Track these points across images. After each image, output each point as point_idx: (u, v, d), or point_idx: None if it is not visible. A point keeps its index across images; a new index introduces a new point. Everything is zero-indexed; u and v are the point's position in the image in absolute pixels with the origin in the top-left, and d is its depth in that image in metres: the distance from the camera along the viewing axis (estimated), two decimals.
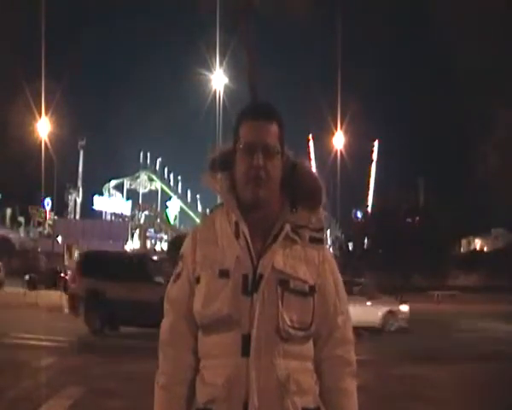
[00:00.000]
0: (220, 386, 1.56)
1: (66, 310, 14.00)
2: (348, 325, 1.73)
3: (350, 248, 25.42)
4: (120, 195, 71.22)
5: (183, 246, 1.75)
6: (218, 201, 1.78)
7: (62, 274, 25.06)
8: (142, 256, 14.19)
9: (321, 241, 1.71)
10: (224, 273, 1.60)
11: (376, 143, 72.75)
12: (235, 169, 1.67)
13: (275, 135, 1.65)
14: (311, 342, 1.65)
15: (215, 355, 1.61)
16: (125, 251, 15.55)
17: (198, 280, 1.65)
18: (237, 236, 1.63)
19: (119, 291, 12.62)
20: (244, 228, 1.63)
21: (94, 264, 14.05)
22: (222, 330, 1.59)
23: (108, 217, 66.49)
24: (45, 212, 57.41)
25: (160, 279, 12.64)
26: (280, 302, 1.57)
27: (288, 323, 1.57)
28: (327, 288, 1.69)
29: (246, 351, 1.55)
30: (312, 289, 1.63)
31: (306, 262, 1.65)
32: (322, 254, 1.70)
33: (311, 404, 1.61)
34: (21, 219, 60.81)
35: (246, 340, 1.56)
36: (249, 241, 1.62)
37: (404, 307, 16.57)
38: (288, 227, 1.64)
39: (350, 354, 1.71)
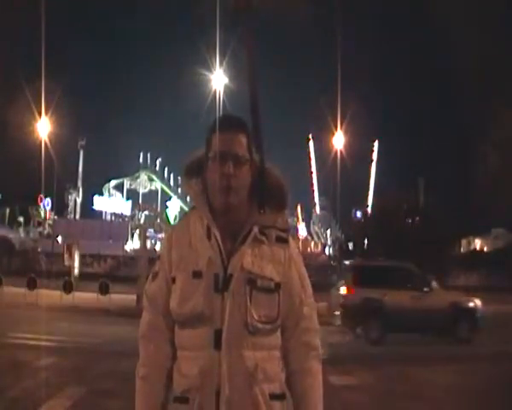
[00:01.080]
0: (195, 377, 1.71)
1: (339, 322, 13.86)
2: (314, 315, 1.88)
3: (350, 248, 25.39)
4: (120, 195, 71.14)
5: (161, 247, 1.94)
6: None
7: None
8: (408, 265, 14.69)
9: (286, 240, 1.84)
10: (198, 274, 1.74)
11: (376, 143, 72.76)
12: (207, 176, 1.80)
13: (244, 145, 1.80)
14: (278, 332, 1.80)
15: (190, 348, 1.75)
16: (388, 260, 15.81)
17: (174, 280, 1.79)
18: (209, 238, 1.77)
19: (395, 300, 13.05)
20: (215, 231, 1.77)
21: (368, 274, 14.02)
22: (196, 325, 1.73)
23: (108, 217, 66.46)
24: (45, 211, 57.39)
25: (427, 288, 13.61)
26: (248, 300, 1.71)
27: (256, 318, 1.71)
28: (293, 283, 1.82)
29: (218, 344, 1.70)
30: (278, 285, 1.77)
31: (273, 261, 1.79)
32: (289, 253, 1.84)
33: (278, 390, 1.76)
34: (21, 219, 60.78)
35: (218, 334, 1.70)
36: (220, 242, 1.76)
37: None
38: (255, 229, 1.78)
39: (315, 339, 1.86)
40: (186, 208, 74.01)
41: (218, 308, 1.71)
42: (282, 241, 1.83)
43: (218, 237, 1.76)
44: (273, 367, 1.76)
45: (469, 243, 55.07)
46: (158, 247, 64.02)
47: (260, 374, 1.72)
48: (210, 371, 1.69)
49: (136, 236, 60.54)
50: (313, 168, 74.21)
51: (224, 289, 1.72)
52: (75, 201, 66.19)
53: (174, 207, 73.96)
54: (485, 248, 53.96)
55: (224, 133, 1.79)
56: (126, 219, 66.79)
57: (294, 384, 1.81)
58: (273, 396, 1.74)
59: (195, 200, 1.85)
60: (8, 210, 60.32)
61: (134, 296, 19.64)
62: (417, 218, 22.70)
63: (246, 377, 1.70)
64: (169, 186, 73.26)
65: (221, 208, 1.77)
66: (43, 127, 43.77)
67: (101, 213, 66.94)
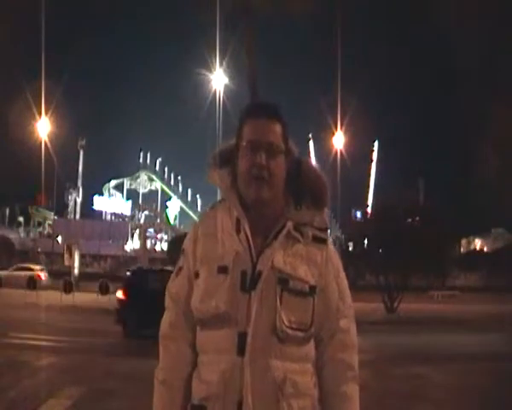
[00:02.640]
0: (215, 383, 1.54)
1: None
2: (352, 329, 1.69)
3: (350, 248, 25.37)
4: (120, 195, 71.15)
5: (185, 240, 1.75)
6: (219, 197, 1.78)
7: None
8: None
9: (324, 241, 1.68)
10: (223, 269, 1.59)
11: (376, 143, 72.75)
12: (238, 166, 1.66)
13: (278, 134, 1.65)
14: (311, 344, 1.62)
15: (211, 351, 1.59)
16: None
17: (197, 275, 1.65)
18: (238, 231, 1.62)
19: None
20: (245, 224, 1.61)
21: None
22: (218, 326, 1.57)
23: (108, 217, 66.47)
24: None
25: None
26: (278, 301, 1.54)
27: (286, 323, 1.54)
28: (329, 289, 1.66)
29: (241, 350, 1.53)
30: (313, 289, 1.60)
31: (308, 261, 1.62)
32: (326, 255, 1.67)
33: (309, 407, 1.58)
34: (21, 219, 60.77)
35: (242, 338, 1.53)
36: (249, 237, 1.60)
37: None
38: (290, 225, 1.62)
39: (352, 358, 1.67)
40: (186, 208, 74.19)
41: (244, 309, 1.54)
42: (320, 241, 1.66)
43: (248, 232, 1.60)
44: (305, 381, 1.58)
45: (469, 243, 55.10)
46: (158, 247, 64.22)
47: (289, 388, 1.54)
48: (231, 379, 1.52)
49: (136, 236, 60.55)
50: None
51: (251, 288, 1.55)
52: (75, 201, 66.17)
53: (174, 207, 73.94)
54: (485, 249, 53.98)
55: (257, 121, 1.64)
56: (126, 219, 66.76)
57: (328, 408, 1.62)
58: None
59: (224, 191, 1.70)
60: (8, 210, 60.33)
61: None
62: (417, 218, 22.65)
63: (272, 389, 1.52)
64: (169, 186, 73.27)
65: (252, 201, 1.62)
66: (43, 127, 43.78)
67: (101, 213, 66.95)
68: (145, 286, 13.37)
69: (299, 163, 1.72)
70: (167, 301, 1.73)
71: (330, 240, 1.72)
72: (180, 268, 1.72)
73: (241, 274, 1.57)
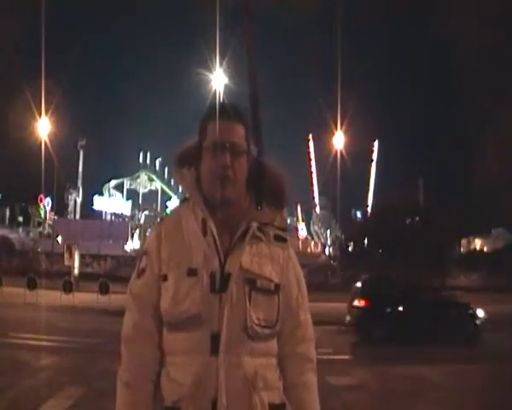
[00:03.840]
0: (189, 385, 1.57)
1: None
2: (309, 321, 1.76)
3: (350, 248, 25.38)
4: (120, 195, 71.12)
5: (147, 241, 1.75)
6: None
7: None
8: None
9: (285, 240, 1.73)
10: (193, 272, 1.60)
11: (376, 143, 72.75)
12: (201, 166, 1.68)
13: (242, 135, 1.68)
14: (275, 339, 1.68)
15: (182, 352, 1.61)
16: None
17: (165, 278, 1.64)
18: (204, 233, 1.63)
19: None
20: (212, 226, 1.64)
21: None
22: (190, 328, 1.59)
23: (108, 217, 66.45)
24: (45, 212, 57.36)
25: None
26: (248, 301, 1.59)
27: (255, 321, 1.59)
28: (291, 286, 1.71)
29: (214, 350, 1.56)
30: (277, 287, 1.65)
31: (271, 260, 1.67)
32: (287, 253, 1.72)
33: (277, 399, 1.64)
34: (21, 219, 60.76)
35: (215, 339, 1.57)
36: (217, 239, 1.62)
37: None
38: (254, 226, 1.66)
39: (310, 350, 1.75)
40: None
41: (216, 310, 1.57)
42: (281, 240, 1.71)
43: (215, 233, 1.62)
44: (272, 375, 1.65)
45: (469, 243, 55.07)
46: None
47: (260, 382, 1.60)
48: (206, 379, 1.55)
49: (136, 236, 60.53)
50: (313, 168, 74.22)
51: (221, 290, 1.58)
52: (75, 201, 66.13)
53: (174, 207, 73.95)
54: (485, 249, 53.96)
55: (221, 122, 1.67)
56: (126, 219, 66.74)
57: (290, 398, 1.68)
58: (273, 406, 1.62)
59: (189, 191, 1.72)
60: (8, 210, 60.33)
61: None
62: (417, 218, 22.67)
63: (245, 385, 1.58)
64: (169, 186, 73.19)
65: (217, 202, 1.64)
66: (43, 127, 43.79)
67: (101, 213, 66.89)
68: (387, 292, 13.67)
69: (259, 163, 1.75)
70: (129, 302, 1.72)
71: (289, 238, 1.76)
72: (143, 269, 1.71)
73: (211, 276, 1.59)
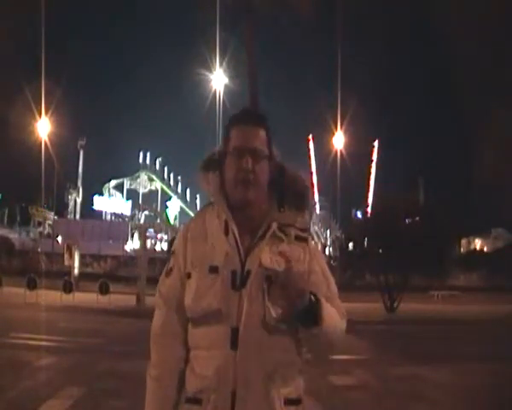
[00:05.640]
0: (210, 377, 1.65)
1: None
2: (343, 319, 1.80)
3: (350, 248, 25.36)
4: (120, 195, 71.11)
5: (175, 242, 1.85)
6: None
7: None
8: None
9: (306, 239, 1.80)
10: (214, 269, 1.69)
11: (376, 143, 72.70)
12: (225, 170, 1.77)
13: (263, 140, 1.77)
14: (296, 334, 1.71)
15: (205, 347, 1.69)
16: None
17: (189, 276, 1.74)
18: (226, 233, 1.73)
19: None
20: (233, 226, 1.73)
21: None
22: (212, 323, 1.67)
23: (108, 217, 66.43)
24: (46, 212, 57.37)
25: None
26: (266, 297, 1.65)
27: (274, 316, 1.64)
28: (318, 284, 1.76)
29: (234, 344, 1.64)
30: None
31: (292, 259, 1.70)
32: (309, 253, 1.79)
33: (293, 395, 1.70)
34: (21, 218, 60.73)
35: (234, 333, 1.64)
36: (238, 238, 1.72)
37: None
38: (274, 226, 1.74)
39: (343, 322, 1.80)
40: (186, 208, 74.16)
41: (235, 306, 1.65)
42: (302, 240, 1.79)
43: (236, 233, 1.72)
44: (291, 370, 1.71)
45: (469, 243, 55.10)
46: (158, 247, 64.22)
47: (278, 378, 1.66)
48: (225, 372, 1.63)
49: (136, 236, 60.51)
50: (313, 168, 74.17)
51: (241, 287, 1.67)
52: (75, 201, 66.14)
53: (174, 207, 73.91)
54: (485, 249, 54.01)
55: (243, 127, 1.76)
56: (126, 219, 66.73)
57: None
58: (289, 401, 1.68)
59: (213, 194, 1.81)
60: (7, 210, 60.33)
61: (134, 296, 19.68)
62: (417, 218, 22.64)
63: (263, 379, 1.65)
64: (169, 186, 73.26)
65: (239, 204, 1.74)
66: (43, 127, 43.76)
67: (101, 213, 66.91)
68: None
69: (281, 168, 1.84)
70: (158, 301, 1.83)
71: (310, 239, 1.83)
72: (171, 269, 1.81)
73: (232, 273, 1.68)
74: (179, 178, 75.08)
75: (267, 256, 1.69)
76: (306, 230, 1.82)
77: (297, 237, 1.78)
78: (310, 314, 1.65)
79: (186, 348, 1.75)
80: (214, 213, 1.79)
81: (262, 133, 1.77)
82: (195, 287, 1.70)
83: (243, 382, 1.62)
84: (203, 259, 1.72)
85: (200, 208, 1.90)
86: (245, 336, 1.64)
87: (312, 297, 1.66)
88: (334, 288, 1.84)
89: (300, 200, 1.82)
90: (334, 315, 1.73)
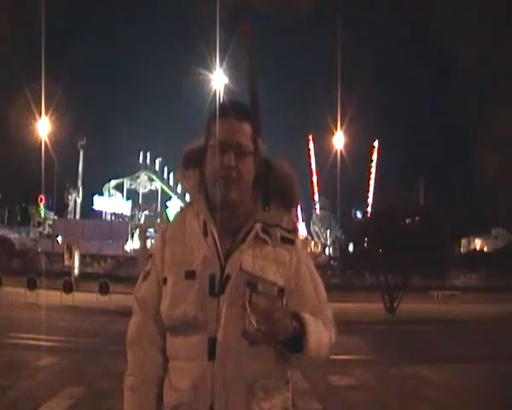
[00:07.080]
0: (186, 390, 1.53)
1: None
2: (331, 329, 1.69)
3: (350, 248, 25.36)
4: (120, 195, 71.10)
5: (154, 245, 1.74)
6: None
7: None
8: None
9: (292, 241, 1.65)
10: (191, 274, 1.56)
11: (376, 143, 72.69)
12: (206, 167, 1.63)
13: (248, 134, 1.62)
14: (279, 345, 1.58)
15: (182, 358, 1.58)
16: None
17: (165, 281, 1.62)
18: (205, 235, 1.60)
19: None
20: (212, 227, 1.60)
21: None
22: (188, 332, 1.55)
23: (108, 217, 66.41)
24: (45, 212, 57.34)
25: None
26: (247, 305, 1.50)
27: (255, 326, 1.49)
28: (306, 290, 1.65)
29: (212, 354, 1.51)
30: (281, 291, 1.56)
31: (277, 263, 1.60)
32: (296, 256, 1.65)
33: (278, 408, 1.58)
34: (21, 218, 60.71)
35: (212, 343, 1.52)
36: (217, 240, 1.58)
37: None
38: (258, 227, 1.60)
39: (331, 332, 1.68)
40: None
41: (213, 313, 1.52)
42: (288, 242, 1.64)
43: (215, 234, 1.58)
44: (274, 382, 1.58)
45: (469, 243, 55.06)
46: None
47: (259, 390, 1.53)
48: (203, 385, 1.51)
49: (136, 236, 60.50)
50: (313, 168, 74.17)
51: (220, 293, 1.53)
52: (75, 201, 66.13)
53: (174, 207, 73.91)
54: (485, 248, 53.94)
55: (226, 121, 1.60)
56: (126, 219, 66.72)
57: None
58: None
59: (191, 192, 1.68)
60: (7, 210, 60.32)
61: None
62: (417, 218, 22.63)
63: (243, 393, 1.52)
64: (169, 186, 73.18)
65: (220, 203, 1.58)
66: (43, 127, 43.77)
67: (101, 213, 66.89)
68: None
69: (267, 163, 1.69)
70: (134, 306, 1.72)
71: (298, 240, 1.68)
72: (148, 273, 1.69)
73: (210, 278, 1.55)
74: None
75: (249, 260, 1.56)
76: (293, 230, 1.67)
77: (283, 239, 1.63)
78: (293, 342, 1.53)
79: (164, 355, 1.63)
80: (194, 213, 1.66)
81: (247, 127, 1.62)
82: (171, 293, 1.58)
83: (221, 395, 1.50)
84: (180, 263, 1.59)
85: (181, 208, 1.79)
86: (223, 346, 1.51)
87: (297, 326, 1.53)
88: (322, 292, 1.71)
89: (287, 198, 1.69)
90: (321, 333, 1.60)
